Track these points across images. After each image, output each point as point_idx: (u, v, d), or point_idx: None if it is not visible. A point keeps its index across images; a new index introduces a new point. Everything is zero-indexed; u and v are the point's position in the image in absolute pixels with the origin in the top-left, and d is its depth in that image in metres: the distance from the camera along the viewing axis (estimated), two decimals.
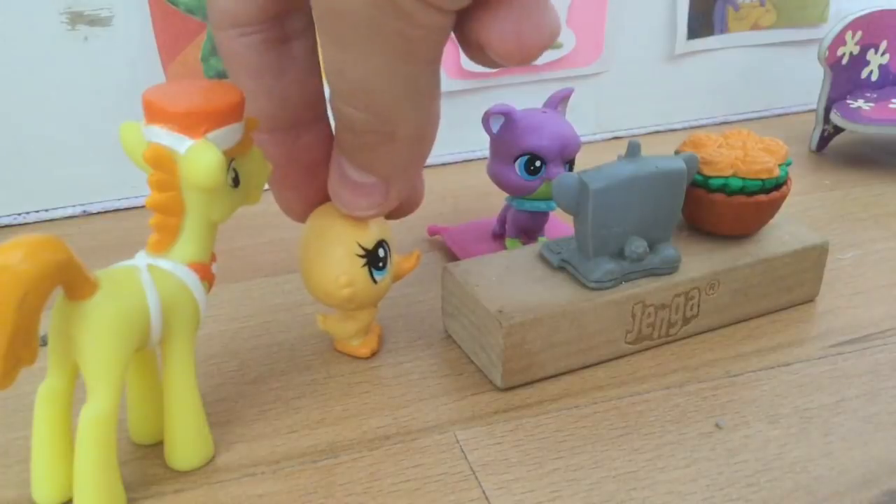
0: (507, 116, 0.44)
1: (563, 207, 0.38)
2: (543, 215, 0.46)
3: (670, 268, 0.40)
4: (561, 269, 0.40)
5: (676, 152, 0.42)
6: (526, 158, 0.43)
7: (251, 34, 0.28)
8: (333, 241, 0.36)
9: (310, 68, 0.31)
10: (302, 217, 0.37)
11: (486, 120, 0.44)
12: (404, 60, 0.22)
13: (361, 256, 0.36)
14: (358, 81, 0.23)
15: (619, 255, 0.39)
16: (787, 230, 0.44)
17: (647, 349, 0.41)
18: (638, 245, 0.38)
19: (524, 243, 0.46)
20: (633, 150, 0.38)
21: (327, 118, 0.32)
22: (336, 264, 0.36)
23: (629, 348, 0.40)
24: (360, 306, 0.38)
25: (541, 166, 0.43)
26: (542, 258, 0.41)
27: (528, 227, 0.47)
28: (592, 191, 0.36)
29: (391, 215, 0.37)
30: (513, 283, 0.39)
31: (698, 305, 0.41)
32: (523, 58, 0.22)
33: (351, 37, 0.22)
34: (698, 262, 0.41)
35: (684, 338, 0.41)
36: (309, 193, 0.35)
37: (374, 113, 0.24)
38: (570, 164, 0.45)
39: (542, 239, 0.46)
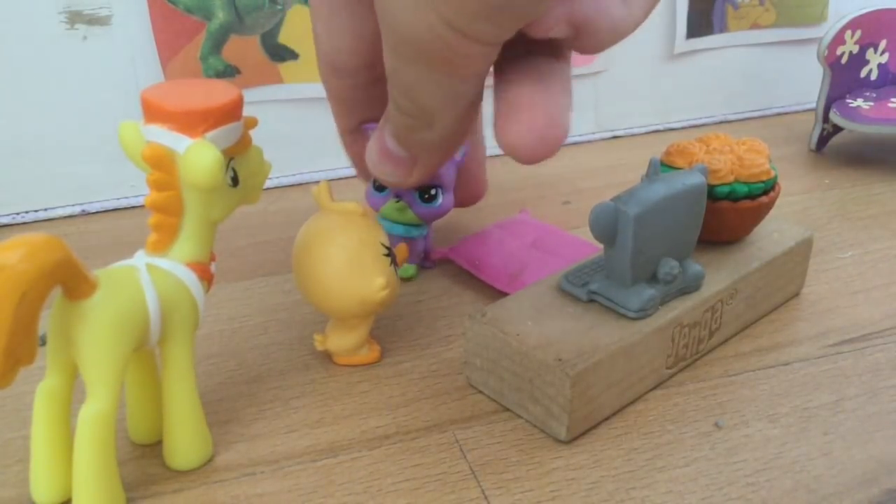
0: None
1: (598, 238, 0.36)
2: (410, 241, 0.45)
3: (697, 284, 0.39)
4: (591, 301, 0.38)
5: (663, 162, 0.41)
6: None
7: None
8: (359, 247, 0.36)
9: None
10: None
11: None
12: (448, 75, 0.24)
13: (386, 255, 0.37)
14: (406, 82, 0.25)
15: (653, 278, 0.37)
16: (773, 227, 0.44)
17: (680, 371, 0.39)
18: (672, 266, 0.37)
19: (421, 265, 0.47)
20: (656, 169, 0.37)
21: None
22: (369, 269, 0.36)
23: (668, 373, 0.38)
24: (388, 306, 0.38)
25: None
26: (565, 292, 0.39)
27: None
28: (633, 217, 0.35)
29: (460, 203, 0.37)
30: (551, 325, 0.36)
31: (721, 317, 0.40)
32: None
33: (402, 49, 0.24)
34: (713, 273, 0.40)
35: (708, 352, 0.40)
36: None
37: (418, 106, 0.26)
38: (422, 192, 0.43)
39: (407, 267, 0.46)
